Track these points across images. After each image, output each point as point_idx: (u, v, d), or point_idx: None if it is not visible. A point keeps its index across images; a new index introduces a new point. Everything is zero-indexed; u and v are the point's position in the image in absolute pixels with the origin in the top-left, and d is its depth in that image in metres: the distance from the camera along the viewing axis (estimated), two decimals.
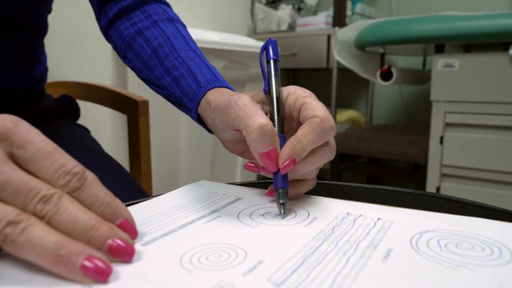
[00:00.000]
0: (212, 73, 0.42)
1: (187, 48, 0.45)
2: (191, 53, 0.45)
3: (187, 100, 0.42)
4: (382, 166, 1.63)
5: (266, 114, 0.35)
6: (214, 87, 0.40)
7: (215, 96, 0.39)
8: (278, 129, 0.33)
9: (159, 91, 0.47)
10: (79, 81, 0.83)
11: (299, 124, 0.33)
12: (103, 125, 1.34)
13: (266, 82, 0.36)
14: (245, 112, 0.31)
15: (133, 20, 0.49)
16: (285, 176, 0.31)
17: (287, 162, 0.30)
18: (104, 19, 0.52)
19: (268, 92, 0.36)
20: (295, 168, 0.31)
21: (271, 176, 0.33)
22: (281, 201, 0.31)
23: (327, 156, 0.33)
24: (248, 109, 0.31)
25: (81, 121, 0.71)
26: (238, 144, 0.37)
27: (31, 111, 0.58)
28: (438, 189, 1.29)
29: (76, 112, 0.69)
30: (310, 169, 0.32)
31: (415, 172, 1.42)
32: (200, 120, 0.42)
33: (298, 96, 0.34)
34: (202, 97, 0.40)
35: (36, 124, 0.59)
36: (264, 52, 0.38)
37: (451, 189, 1.26)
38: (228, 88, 0.41)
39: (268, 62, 0.37)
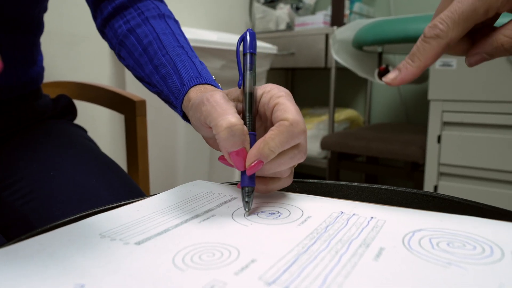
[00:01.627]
0: (196, 70, 0.42)
1: (175, 44, 0.45)
2: (178, 50, 0.44)
3: (172, 98, 0.42)
4: (380, 165, 1.63)
5: (240, 112, 0.35)
6: (197, 84, 0.40)
7: (196, 93, 0.39)
8: (248, 127, 0.33)
9: (151, 88, 0.47)
10: (77, 81, 0.83)
11: (272, 124, 0.33)
12: (100, 125, 1.34)
13: (241, 76, 0.35)
14: (216, 110, 0.31)
15: (126, 18, 0.49)
16: (251, 175, 0.32)
17: (254, 163, 0.30)
18: (100, 18, 0.52)
19: (242, 86, 0.35)
20: (264, 168, 0.31)
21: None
22: (246, 199, 0.31)
23: (297, 158, 0.32)
24: (219, 107, 0.31)
25: (78, 121, 0.71)
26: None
27: (27, 110, 0.58)
28: (435, 187, 1.29)
29: (73, 112, 0.69)
30: (279, 170, 0.32)
31: (413, 171, 1.42)
32: (186, 118, 0.42)
33: (273, 95, 0.33)
34: (185, 94, 0.40)
35: (32, 124, 0.59)
36: (242, 44, 0.36)
37: (448, 187, 1.26)
38: (212, 84, 0.41)
39: (245, 55, 0.36)
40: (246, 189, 0.32)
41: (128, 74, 1.35)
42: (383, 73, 1.34)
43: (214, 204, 0.34)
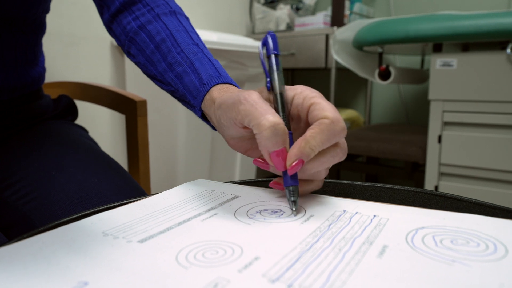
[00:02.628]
0: (215, 69, 0.41)
1: (190, 42, 0.44)
2: (193, 47, 0.44)
3: (190, 97, 0.41)
4: (381, 165, 1.63)
5: None
6: (218, 84, 0.39)
7: (220, 93, 0.38)
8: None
9: (163, 86, 0.46)
10: (78, 81, 0.83)
11: (307, 124, 0.32)
12: (101, 125, 1.34)
13: (268, 78, 0.35)
14: (256, 109, 0.30)
15: (135, 15, 0.48)
16: (294, 174, 0.31)
17: (295, 163, 0.30)
18: (107, 13, 0.51)
19: (271, 88, 0.35)
20: (304, 168, 0.31)
21: (279, 174, 0.33)
22: (292, 199, 0.31)
23: (338, 156, 0.32)
24: (260, 106, 0.31)
25: (79, 121, 0.71)
26: (243, 142, 0.37)
27: (28, 111, 0.58)
28: (436, 187, 1.29)
29: (74, 112, 0.69)
30: (319, 169, 0.32)
31: (414, 171, 1.42)
32: (204, 117, 0.42)
33: (306, 96, 0.33)
34: (206, 94, 0.39)
35: (33, 124, 0.59)
36: (264, 47, 0.37)
37: (449, 187, 1.26)
38: (232, 84, 0.41)
39: (269, 57, 0.36)
40: (291, 188, 0.31)
41: (128, 74, 1.35)
42: (383, 73, 1.34)
43: (216, 202, 0.34)
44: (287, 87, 0.35)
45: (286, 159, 0.30)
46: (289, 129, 0.33)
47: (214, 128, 0.42)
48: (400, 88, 1.91)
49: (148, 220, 0.30)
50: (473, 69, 1.18)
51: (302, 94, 0.33)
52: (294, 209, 0.31)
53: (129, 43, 0.49)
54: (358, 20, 1.55)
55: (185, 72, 0.42)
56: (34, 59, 0.58)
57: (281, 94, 0.34)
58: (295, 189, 0.31)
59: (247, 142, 0.37)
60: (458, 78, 1.20)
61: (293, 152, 0.30)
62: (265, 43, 0.36)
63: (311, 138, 0.30)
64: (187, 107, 0.45)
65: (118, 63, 1.37)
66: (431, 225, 0.28)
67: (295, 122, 0.36)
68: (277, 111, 0.33)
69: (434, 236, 0.26)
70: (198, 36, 0.47)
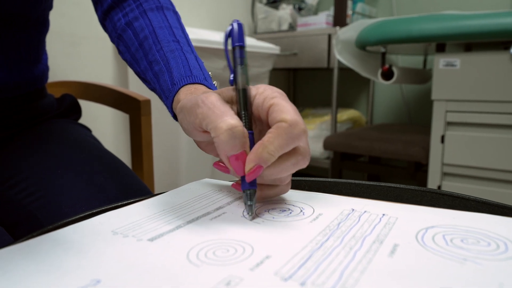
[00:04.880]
0: (188, 68, 0.40)
1: (171, 39, 0.43)
2: (173, 45, 0.43)
3: (164, 97, 0.40)
4: (383, 165, 1.63)
5: (236, 113, 0.32)
6: (187, 84, 0.38)
7: (185, 94, 0.37)
8: (245, 125, 0.31)
9: (147, 85, 0.46)
10: (81, 80, 0.83)
11: (268, 126, 0.30)
12: (104, 124, 1.34)
13: (231, 72, 0.33)
14: (213, 112, 0.29)
15: (125, 11, 0.48)
16: None
17: (253, 168, 0.28)
18: (100, 10, 0.51)
19: (234, 84, 0.33)
20: (263, 174, 0.29)
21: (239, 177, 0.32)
22: (248, 203, 0.30)
23: (300, 164, 0.30)
24: (217, 109, 0.29)
25: (82, 120, 0.71)
26: (212, 145, 0.35)
27: (32, 109, 0.58)
28: (439, 187, 1.29)
29: (77, 111, 0.69)
30: (279, 176, 0.30)
31: (416, 171, 1.42)
32: (176, 118, 0.40)
33: (266, 96, 0.31)
34: (175, 94, 0.38)
35: (37, 123, 0.59)
36: (230, 38, 0.33)
37: (452, 188, 1.26)
38: (203, 84, 0.39)
39: (233, 48, 0.33)
40: (248, 192, 0.30)
41: (131, 74, 1.35)
42: (386, 73, 1.34)
43: (224, 201, 0.34)
44: (250, 87, 0.33)
45: (245, 162, 0.29)
46: (250, 128, 0.31)
47: None
48: (402, 88, 1.91)
49: (157, 218, 0.30)
50: (476, 69, 1.18)
51: (263, 94, 0.31)
52: (250, 213, 0.30)
53: (118, 40, 0.48)
54: (360, 20, 1.55)
55: (161, 71, 0.41)
56: (38, 57, 0.58)
57: (244, 90, 0.31)
58: (252, 193, 0.30)
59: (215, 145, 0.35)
60: (461, 78, 1.20)
61: (251, 158, 0.28)
62: (230, 33, 0.33)
63: (269, 143, 0.28)
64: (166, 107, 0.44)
65: (120, 62, 1.37)
66: (441, 224, 0.28)
67: (257, 124, 0.33)
68: (239, 109, 0.32)
69: (445, 235, 0.26)
70: (183, 31, 0.46)
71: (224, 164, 0.32)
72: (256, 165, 0.28)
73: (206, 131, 0.31)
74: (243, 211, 0.31)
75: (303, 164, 0.30)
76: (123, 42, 0.47)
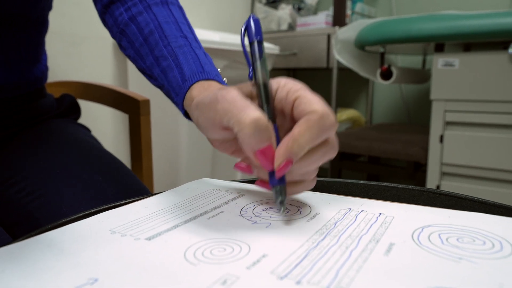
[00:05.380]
0: (200, 64, 0.39)
1: (178, 34, 0.42)
2: (181, 40, 0.42)
3: (173, 94, 0.39)
4: (382, 165, 1.63)
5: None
6: (199, 80, 0.37)
7: (199, 91, 0.36)
8: (269, 119, 0.30)
9: (152, 81, 0.45)
10: (80, 80, 0.83)
11: (293, 120, 0.30)
12: (104, 124, 1.34)
13: (250, 68, 0.32)
14: (235, 106, 0.28)
15: (127, 5, 0.46)
16: None
17: (283, 164, 0.27)
18: (99, 3, 0.50)
19: (253, 78, 0.32)
20: (292, 169, 0.29)
21: (265, 177, 0.31)
22: (280, 199, 0.29)
23: (328, 155, 0.29)
24: (239, 102, 0.28)
25: (82, 120, 0.71)
26: (227, 143, 0.34)
27: (32, 109, 0.59)
28: (438, 187, 1.29)
29: (77, 111, 0.69)
30: (308, 169, 0.30)
31: (416, 171, 1.42)
32: (187, 115, 0.40)
33: (290, 89, 0.30)
34: (187, 91, 0.37)
35: (37, 123, 0.59)
36: (246, 33, 0.33)
37: (451, 187, 1.26)
38: (216, 80, 0.38)
39: (251, 43, 0.32)
40: (278, 188, 0.29)
41: (131, 74, 1.35)
42: (385, 73, 1.34)
43: (222, 201, 0.34)
44: (270, 80, 0.32)
45: (273, 157, 0.28)
46: (274, 122, 0.30)
47: None
48: (401, 88, 1.91)
49: (154, 218, 0.30)
50: (475, 69, 1.18)
51: (286, 87, 0.30)
52: (282, 210, 0.29)
53: (120, 35, 0.47)
54: (360, 20, 1.55)
55: (169, 67, 0.40)
56: (37, 57, 0.58)
57: (265, 85, 0.31)
58: (282, 189, 0.29)
59: (231, 143, 0.33)
60: (460, 78, 1.20)
61: (281, 152, 0.27)
62: (247, 28, 0.32)
63: (300, 136, 0.27)
64: (174, 104, 0.43)
65: (120, 62, 1.37)
66: (437, 223, 0.28)
67: (279, 118, 0.32)
68: (260, 104, 0.31)
69: (440, 234, 0.26)
70: (189, 27, 0.45)
71: (246, 164, 0.31)
72: (286, 159, 0.27)
73: (225, 128, 0.29)
74: (241, 210, 0.32)
75: (332, 155, 0.30)
76: (126, 37, 0.46)
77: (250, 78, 0.32)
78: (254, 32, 0.32)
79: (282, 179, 0.29)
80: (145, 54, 0.43)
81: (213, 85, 0.37)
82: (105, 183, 0.49)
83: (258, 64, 0.31)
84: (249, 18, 0.33)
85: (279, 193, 0.29)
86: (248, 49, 0.33)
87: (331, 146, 0.29)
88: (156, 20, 0.44)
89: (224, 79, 0.41)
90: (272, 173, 0.29)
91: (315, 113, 0.28)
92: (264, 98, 0.30)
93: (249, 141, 0.27)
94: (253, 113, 0.27)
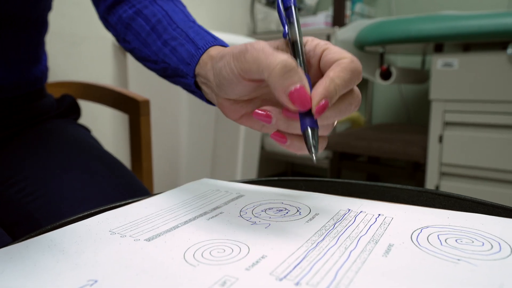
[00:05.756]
0: (211, 36, 0.40)
1: (186, 19, 0.43)
2: (190, 23, 0.43)
3: (183, 66, 0.40)
4: (382, 165, 1.63)
5: None
6: (214, 45, 0.38)
7: (217, 51, 0.36)
8: (302, 69, 0.30)
9: (155, 66, 0.45)
10: (80, 81, 0.83)
11: (319, 72, 0.30)
12: (104, 124, 1.35)
13: (285, 27, 0.33)
14: (264, 53, 0.28)
15: (132, 3, 0.47)
16: (312, 117, 0.28)
17: (322, 103, 0.27)
18: (103, 5, 0.50)
19: (287, 36, 0.32)
20: (324, 115, 0.28)
21: (283, 127, 0.30)
22: (313, 142, 0.28)
23: (355, 103, 0.30)
24: (267, 50, 0.28)
25: (82, 120, 0.71)
26: (238, 105, 0.34)
27: (31, 109, 0.59)
28: (437, 187, 1.29)
29: (76, 111, 0.69)
30: (335, 119, 0.30)
31: (415, 171, 1.42)
32: (197, 86, 0.40)
33: (318, 43, 0.31)
34: (201, 55, 0.37)
35: (37, 123, 0.59)
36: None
37: (450, 187, 1.27)
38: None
39: (287, 8, 0.33)
40: (311, 131, 0.28)
41: (131, 74, 1.36)
42: (384, 73, 1.35)
43: (221, 201, 0.34)
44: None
45: (307, 98, 0.27)
46: (308, 72, 0.31)
47: (207, 101, 0.40)
48: (401, 88, 1.91)
49: (154, 218, 0.30)
50: (474, 69, 1.18)
51: (314, 41, 0.32)
52: (314, 154, 0.28)
53: (125, 29, 0.47)
54: (359, 20, 1.55)
55: (180, 44, 0.41)
56: (37, 58, 0.58)
57: (299, 42, 0.31)
58: (315, 132, 0.28)
59: (242, 104, 0.34)
60: (459, 78, 1.20)
61: (318, 91, 0.27)
62: None
63: (335, 77, 0.27)
64: (179, 83, 0.42)
65: (120, 62, 1.37)
66: (436, 224, 0.28)
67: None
68: (294, 54, 0.31)
69: (439, 235, 0.26)
70: (194, 19, 0.46)
71: (265, 111, 0.30)
72: (324, 99, 0.27)
73: (251, 80, 0.30)
74: (240, 211, 0.32)
75: (357, 105, 0.30)
76: (131, 31, 0.46)
77: (284, 37, 0.33)
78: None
79: (315, 122, 0.28)
80: (152, 41, 0.44)
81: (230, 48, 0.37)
82: (105, 183, 0.49)
83: (295, 25, 0.32)
84: None
85: (312, 136, 0.28)
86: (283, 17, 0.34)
87: (356, 95, 0.30)
88: (163, 10, 0.45)
89: None
90: (304, 116, 0.28)
91: (346, 58, 0.29)
92: (300, 52, 0.31)
93: (281, 81, 0.27)
94: (281, 56, 0.27)
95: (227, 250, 0.24)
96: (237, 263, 0.23)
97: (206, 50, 0.37)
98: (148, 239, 0.26)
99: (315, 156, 0.28)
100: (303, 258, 0.23)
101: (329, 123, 0.30)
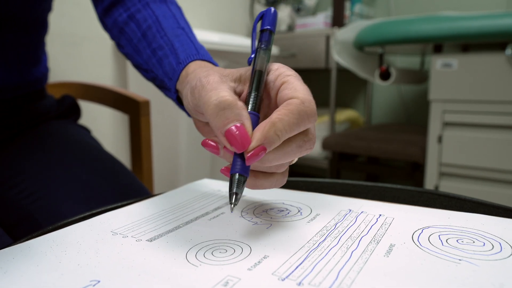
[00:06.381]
0: (195, 48, 0.39)
1: (175, 26, 0.43)
2: (178, 31, 0.42)
3: (167, 80, 0.39)
4: (381, 165, 1.63)
5: (239, 93, 0.30)
6: (194, 60, 0.37)
7: (194, 68, 0.35)
8: (251, 105, 0.28)
9: (147, 75, 0.45)
10: (80, 81, 0.83)
11: (276, 107, 0.27)
12: (104, 125, 1.34)
13: (253, 52, 0.31)
14: (205, 89, 0.27)
15: (127, 6, 0.47)
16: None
17: (255, 149, 0.24)
18: (100, 7, 0.50)
19: (252, 63, 0.30)
20: (265, 158, 0.25)
21: (230, 161, 0.27)
22: (234, 190, 0.25)
23: (305, 147, 0.27)
24: (210, 85, 0.27)
25: (82, 121, 0.71)
26: (209, 126, 0.33)
27: (32, 110, 0.59)
28: (436, 187, 1.29)
29: (77, 112, 0.69)
30: (282, 162, 0.26)
31: (414, 171, 1.42)
32: (179, 101, 0.39)
33: (281, 74, 0.28)
34: (180, 72, 0.37)
35: (37, 124, 0.59)
36: (261, 21, 0.32)
37: (449, 188, 1.27)
38: (211, 62, 0.38)
39: (262, 31, 0.31)
40: (237, 177, 0.25)
41: (131, 74, 1.36)
42: (384, 74, 1.35)
43: (222, 201, 0.34)
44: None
45: (244, 138, 0.25)
46: (257, 111, 0.28)
47: (188, 114, 0.38)
48: (400, 89, 1.91)
49: (156, 219, 0.30)
50: (473, 70, 1.18)
51: (277, 71, 0.29)
52: (233, 202, 0.25)
53: (119, 34, 0.47)
54: (358, 20, 1.56)
55: (165, 55, 0.40)
56: (37, 59, 0.58)
57: (260, 72, 0.29)
58: (241, 181, 0.25)
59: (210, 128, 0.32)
60: (458, 79, 1.21)
61: (256, 136, 0.25)
62: (263, 16, 0.32)
63: (278, 120, 0.25)
64: (166, 94, 0.42)
65: (120, 63, 1.37)
66: (437, 225, 0.28)
67: (264, 104, 0.30)
68: (249, 88, 0.29)
69: (440, 235, 0.26)
70: (186, 22, 0.45)
71: (213, 142, 0.27)
72: (260, 145, 0.24)
73: (202, 112, 0.28)
74: (241, 211, 0.32)
75: (309, 147, 0.27)
76: (125, 36, 0.46)
77: (249, 63, 0.31)
78: (269, 21, 0.32)
79: (246, 169, 0.26)
80: (142, 48, 0.44)
81: (208, 65, 0.36)
82: (105, 184, 0.49)
83: (261, 51, 0.30)
84: (269, 8, 0.33)
85: (236, 183, 0.25)
86: (256, 41, 0.32)
87: (309, 138, 0.27)
88: (154, 15, 0.44)
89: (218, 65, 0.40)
90: (235, 159, 0.26)
91: (297, 99, 0.26)
92: (255, 84, 0.28)
93: (215, 121, 0.25)
94: (218, 93, 0.26)
95: (229, 251, 0.24)
96: (239, 264, 0.23)
97: (186, 65, 0.36)
98: (150, 240, 0.26)
99: (232, 207, 0.25)
100: (305, 258, 0.23)
101: (273, 165, 0.27)
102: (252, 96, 0.28)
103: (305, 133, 0.27)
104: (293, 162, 0.29)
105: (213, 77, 0.28)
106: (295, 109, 0.25)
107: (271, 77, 0.29)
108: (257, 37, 0.32)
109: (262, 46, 0.30)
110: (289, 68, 0.29)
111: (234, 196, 0.25)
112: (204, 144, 0.27)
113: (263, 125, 0.25)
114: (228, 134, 0.25)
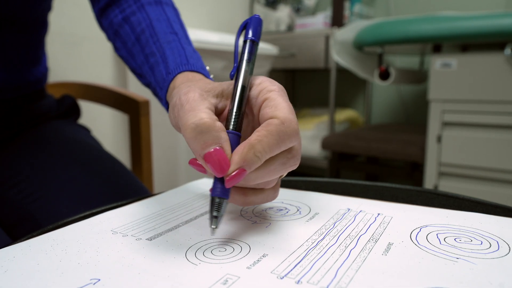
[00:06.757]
0: (185, 56, 0.38)
1: (168, 31, 0.42)
2: (170, 36, 0.41)
3: (158, 89, 0.39)
4: (381, 165, 1.64)
5: (221, 110, 0.29)
6: (183, 71, 0.36)
7: (181, 80, 0.35)
8: (232, 125, 0.27)
9: (142, 80, 0.45)
10: (80, 81, 0.83)
11: (259, 123, 0.27)
12: (104, 124, 1.35)
13: (235, 66, 0.29)
14: (183, 109, 0.26)
15: (123, 7, 0.47)
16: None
17: (234, 173, 0.24)
18: (96, 7, 0.50)
19: (234, 78, 0.29)
20: (247, 177, 0.25)
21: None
22: (214, 213, 0.25)
23: (289, 164, 0.26)
24: (189, 104, 0.26)
25: (82, 121, 0.71)
26: None
27: (32, 110, 0.59)
28: (435, 187, 1.30)
29: (77, 112, 0.69)
30: (265, 180, 0.26)
31: (414, 171, 1.43)
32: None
33: (263, 89, 0.27)
34: (170, 83, 0.36)
35: (37, 124, 0.59)
36: (244, 30, 0.31)
37: (448, 187, 1.27)
38: (199, 72, 0.37)
39: (244, 42, 0.30)
40: (217, 200, 0.25)
41: (131, 74, 1.36)
42: (383, 73, 1.35)
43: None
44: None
45: (223, 162, 0.24)
46: (238, 130, 0.27)
47: None
48: (399, 88, 1.92)
49: (155, 218, 0.30)
50: (472, 70, 1.18)
51: (260, 86, 0.28)
52: (213, 226, 0.25)
53: (114, 36, 0.47)
54: (358, 21, 1.56)
55: (156, 62, 0.40)
56: (37, 59, 0.58)
57: (243, 88, 0.28)
58: (221, 203, 0.25)
59: None
60: (458, 79, 1.21)
61: (234, 160, 0.24)
62: (246, 25, 0.30)
63: (257, 142, 0.24)
64: (160, 103, 0.41)
65: (120, 63, 1.37)
66: (435, 223, 0.28)
67: (249, 119, 0.30)
68: (231, 106, 0.27)
69: (438, 234, 0.27)
70: (182, 26, 0.44)
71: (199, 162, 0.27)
72: (240, 168, 0.24)
73: None
74: (241, 210, 0.32)
75: (293, 165, 0.27)
76: (120, 38, 0.46)
77: (231, 77, 0.30)
78: (253, 31, 0.30)
79: (226, 192, 0.25)
80: (136, 52, 0.43)
81: (196, 76, 0.36)
82: (105, 184, 0.49)
83: (244, 64, 0.29)
84: (251, 17, 0.31)
85: (216, 206, 0.25)
86: (240, 48, 0.30)
87: (292, 155, 0.26)
88: (148, 18, 0.43)
89: (211, 76, 0.39)
90: (217, 181, 0.25)
91: (277, 119, 0.25)
92: (237, 102, 0.27)
93: (193, 144, 0.25)
94: (196, 114, 0.25)
95: (228, 249, 0.25)
96: (238, 262, 0.23)
97: (174, 77, 0.36)
98: (150, 239, 0.26)
99: (213, 230, 0.25)
100: (304, 257, 0.23)
101: (258, 182, 0.26)
102: (233, 114, 0.27)
103: (288, 150, 0.26)
104: (283, 177, 0.29)
105: (193, 94, 0.27)
106: (274, 130, 0.25)
107: (253, 92, 0.28)
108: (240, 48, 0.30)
109: (245, 58, 0.29)
110: (273, 82, 0.28)
111: (214, 220, 0.25)
112: (191, 163, 0.27)
113: (241, 147, 0.24)
114: (207, 158, 0.25)
